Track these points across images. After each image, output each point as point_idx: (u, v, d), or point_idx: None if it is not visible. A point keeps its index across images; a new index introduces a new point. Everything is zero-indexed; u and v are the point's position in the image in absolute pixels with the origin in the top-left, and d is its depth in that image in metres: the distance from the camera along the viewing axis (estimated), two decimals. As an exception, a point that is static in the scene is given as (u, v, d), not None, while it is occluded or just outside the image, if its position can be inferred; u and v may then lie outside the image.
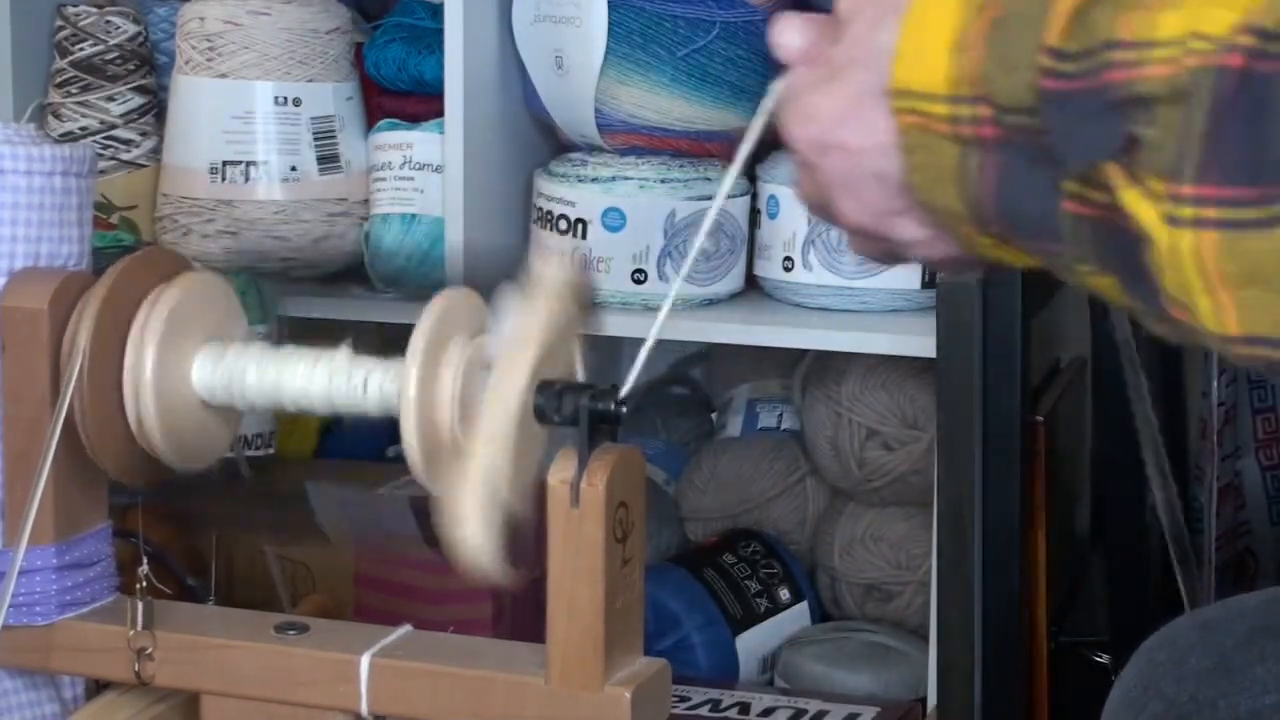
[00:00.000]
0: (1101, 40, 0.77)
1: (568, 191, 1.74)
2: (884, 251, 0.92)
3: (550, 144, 1.84)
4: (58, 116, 1.87)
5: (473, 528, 1.00)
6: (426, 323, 1.04)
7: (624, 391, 1.01)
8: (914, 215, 0.87)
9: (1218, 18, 0.74)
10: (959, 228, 0.85)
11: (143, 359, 1.09)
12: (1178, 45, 0.75)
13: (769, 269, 1.75)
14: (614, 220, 1.72)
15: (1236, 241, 0.73)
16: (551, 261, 1.00)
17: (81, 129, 1.86)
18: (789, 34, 0.93)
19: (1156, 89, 0.75)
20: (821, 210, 0.92)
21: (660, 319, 1.02)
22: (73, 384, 1.08)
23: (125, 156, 1.87)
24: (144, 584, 1.12)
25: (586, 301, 1.07)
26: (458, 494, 1.00)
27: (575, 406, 1.01)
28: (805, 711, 1.69)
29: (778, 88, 0.93)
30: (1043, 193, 0.80)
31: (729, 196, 1.75)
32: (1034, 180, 0.80)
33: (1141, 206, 0.76)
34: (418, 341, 1.04)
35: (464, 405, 1.04)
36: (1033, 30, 0.79)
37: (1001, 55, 0.80)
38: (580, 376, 1.05)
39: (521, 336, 1.01)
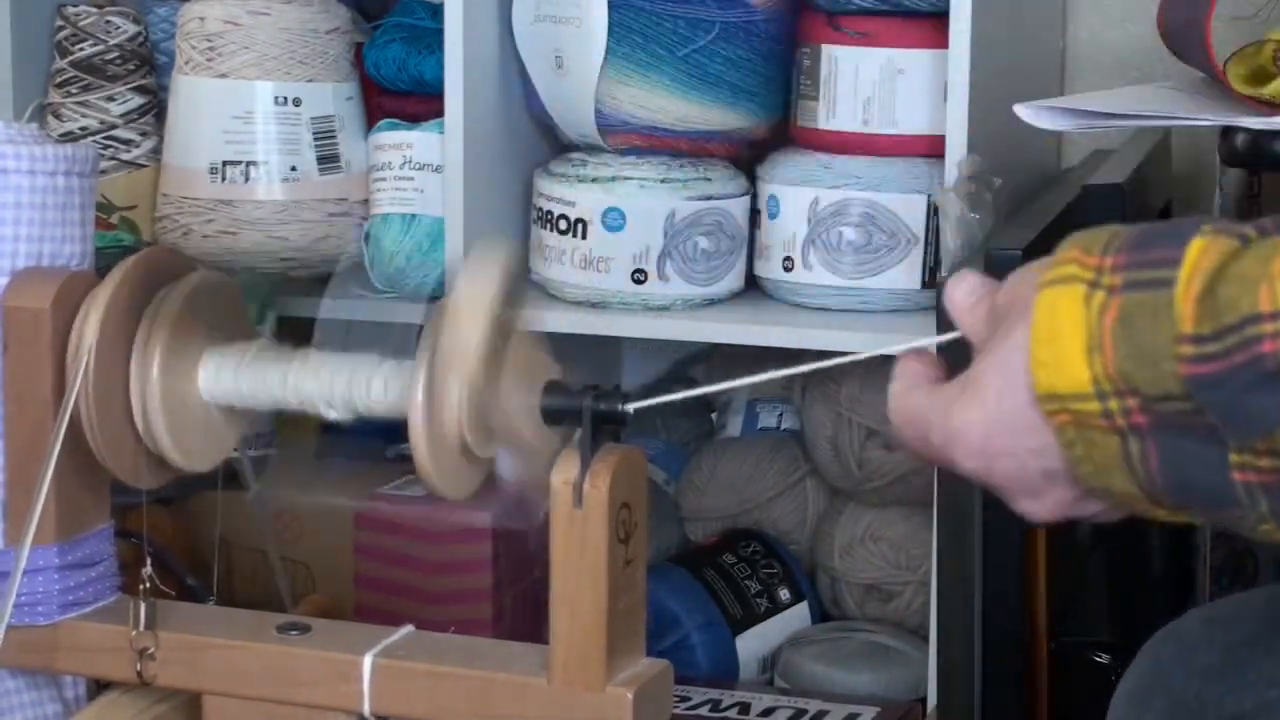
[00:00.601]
0: (1241, 317, 0.79)
1: (568, 191, 1.74)
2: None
3: (550, 144, 1.84)
4: (58, 116, 1.87)
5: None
6: (435, 325, 1.04)
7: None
8: (1094, 497, 0.88)
9: None
10: (1136, 505, 0.87)
11: (149, 359, 1.09)
12: None
13: (769, 269, 1.75)
14: (614, 220, 1.72)
15: None
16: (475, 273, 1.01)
17: (81, 129, 1.86)
18: (960, 290, 0.94)
19: None
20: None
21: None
22: (78, 384, 1.08)
23: (125, 156, 1.87)
24: (147, 584, 1.12)
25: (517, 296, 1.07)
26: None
27: (579, 407, 1.01)
28: (805, 711, 1.69)
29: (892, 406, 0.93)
30: (1211, 468, 0.82)
31: (730, 197, 1.75)
32: (1200, 458, 0.82)
33: None
34: (426, 344, 1.04)
35: (471, 408, 1.04)
36: (1162, 321, 0.81)
37: (1135, 352, 0.82)
38: (553, 373, 1.06)
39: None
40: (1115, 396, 0.83)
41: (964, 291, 0.93)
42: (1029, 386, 0.85)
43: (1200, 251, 0.82)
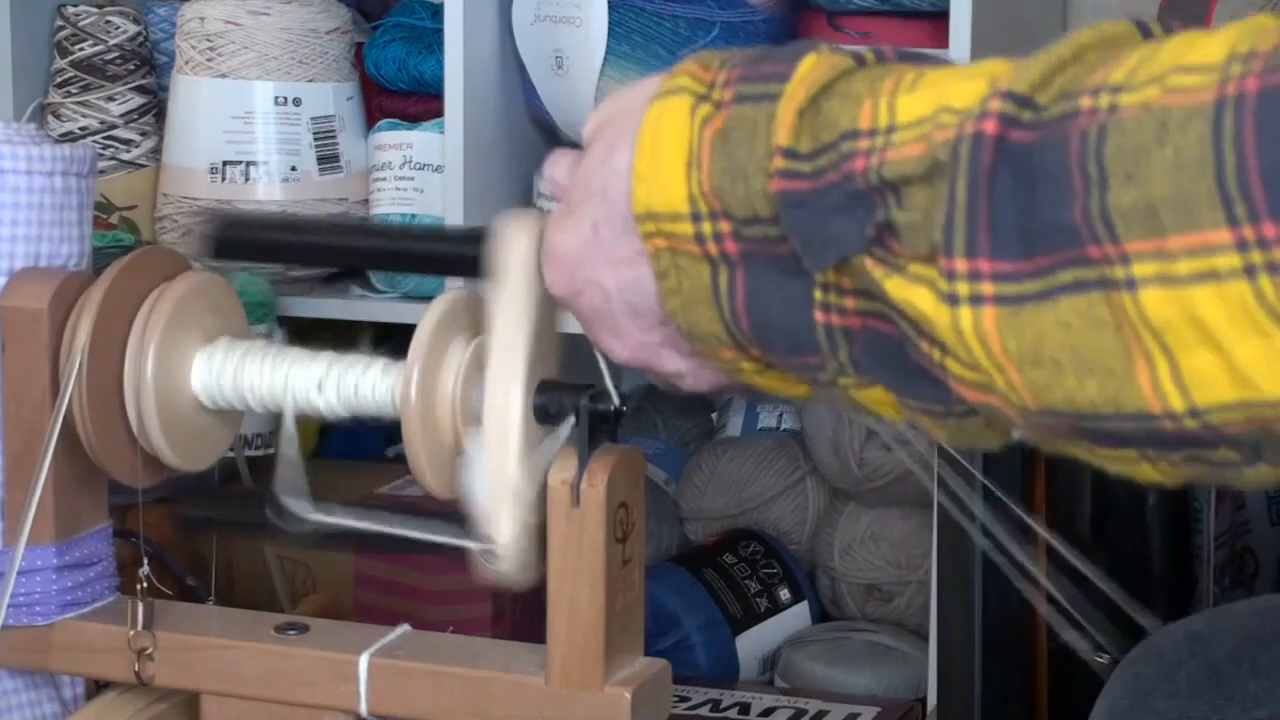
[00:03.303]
0: (839, 133, 0.74)
1: (568, 191, 1.74)
2: (659, 380, 0.89)
3: (550, 144, 1.84)
4: (58, 116, 1.87)
5: (504, 526, 0.99)
6: (428, 323, 1.04)
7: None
8: (674, 346, 0.85)
9: (964, 90, 0.71)
10: (719, 352, 0.82)
11: (143, 359, 1.09)
12: (925, 124, 0.71)
13: (769, 269, 1.75)
14: (614, 220, 1.72)
15: (1015, 317, 0.69)
16: (515, 238, 0.98)
17: (81, 129, 1.86)
18: (555, 168, 0.90)
19: (907, 170, 0.71)
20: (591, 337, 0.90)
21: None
22: (72, 384, 1.08)
23: (125, 156, 1.87)
24: (145, 584, 1.12)
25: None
26: (487, 494, 0.99)
27: (575, 406, 1.01)
28: (805, 711, 1.69)
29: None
30: (795, 305, 0.77)
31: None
32: (785, 293, 0.77)
33: (910, 292, 0.72)
34: (419, 342, 1.04)
35: (465, 406, 1.04)
36: (760, 135, 0.76)
37: (729, 165, 0.77)
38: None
39: (508, 332, 1.01)
40: (709, 219, 0.78)
41: (564, 169, 0.89)
42: (627, 209, 0.81)
43: (811, 66, 0.77)
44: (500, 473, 0.98)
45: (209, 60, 1.77)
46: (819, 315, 0.77)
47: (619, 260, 0.83)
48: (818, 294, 0.77)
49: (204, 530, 1.42)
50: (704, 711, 1.68)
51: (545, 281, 0.89)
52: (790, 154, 0.75)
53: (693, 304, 0.81)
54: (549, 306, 0.96)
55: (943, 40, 1.61)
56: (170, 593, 1.29)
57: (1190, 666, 1.00)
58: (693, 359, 0.86)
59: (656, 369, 0.88)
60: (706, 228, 0.78)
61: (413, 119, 1.80)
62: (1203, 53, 0.65)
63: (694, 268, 0.80)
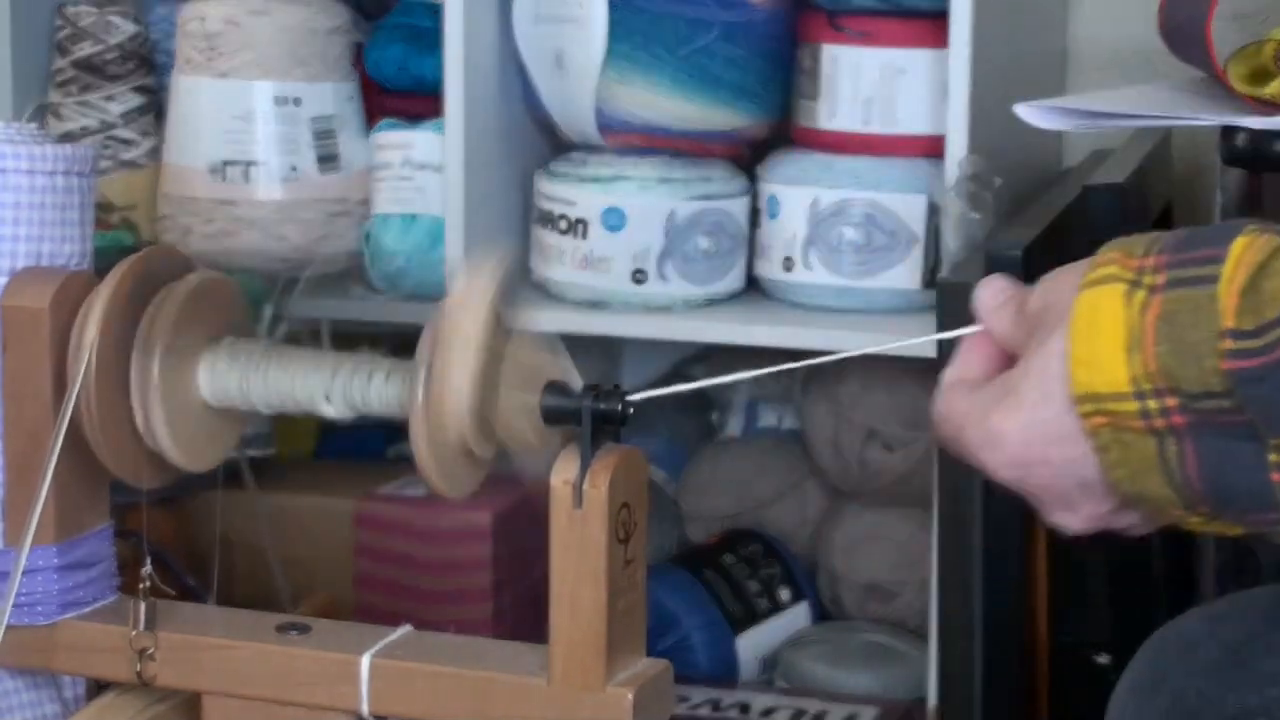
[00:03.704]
0: None
1: (568, 191, 1.74)
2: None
3: (550, 144, 1.84)
4: (58, 116, 1.87)
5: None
6: (436, 325, 1.04)
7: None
8: (1127, 508, 0.88)
9: None
10: (1168, 511, 0.86)
11: (150, 359, 1.09)
12: None
13: (769, 269, 1.75)
14: (614, 220, 1.72)
15: None
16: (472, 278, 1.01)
17: (81, 129, 1.86)
18: (988, 293, 0.93)
19: None
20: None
21: None
22: (79, 384, 1.08)
23: (125, 156, 1.87)
24: (147, 584, 1.12)
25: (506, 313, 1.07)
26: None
27: (579, 407, 1.01)
28: (805, 711, 1.69)
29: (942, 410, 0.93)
30: (1251, 469, 0.82)
31: (730, 197, 1.75)
32: (1239, 458, 0.82)
33: None
34: (427, 343, 1.04)
35: (473, 408, 1.04)
36: (1204, 316, 0.81)
37: (1177, 348, 0.82)
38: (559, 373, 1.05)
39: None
40: (1154, 396, 0.83)
41: (991, 293, 0.93)
42: (1067, 392, 0.85)
43: (1244, 248, 0.82)
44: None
45: (209, 60, 1.76)
46: (1276, 475, 0.82)
47: (1061, 439, 0.87)
48: (1272, 456, 0.82)
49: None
50: (704, 711, 1.68)
51: (984, 465, 0.91)
52: (1238, 334, 0.81)
53: (1139, 474, 0.85)
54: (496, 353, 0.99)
55: (943, 40, 1.61)
56: (172, 593, 1.29)
57: (1209, 646, 1.03)
58: (1144, 516, 0.90)
59: (1111, 528, 0.91)
60: (1152, 404, 0.83)
61: (413, 119, 1.80)
62: None
63: (1138, 442, 0.84)
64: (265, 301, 1.70)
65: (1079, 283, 0.86)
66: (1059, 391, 0.85)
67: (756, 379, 1.99)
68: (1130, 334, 0.83)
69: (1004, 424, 0.88)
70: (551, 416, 1.02)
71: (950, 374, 0.94)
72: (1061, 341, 0.85)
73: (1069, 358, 0.85)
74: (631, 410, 1.01)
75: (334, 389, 1.09)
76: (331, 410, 1.10)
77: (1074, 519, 0.90)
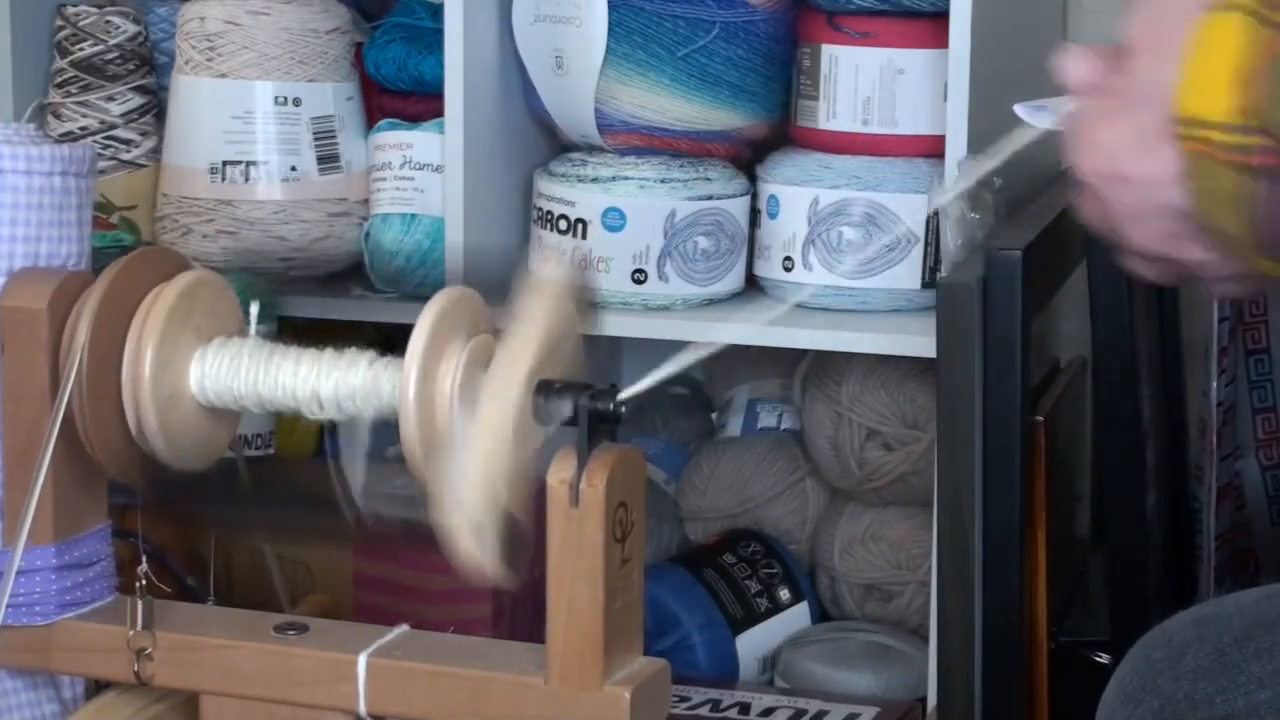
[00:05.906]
0: None
1: (568, 191, 1.74)
2: (1171, 274, 0.93)
3: (550, 144, 1.84)
4: (58, 116, 1.87)
5: (468, 520, 0.99)
6: (426, 322, 1.04)
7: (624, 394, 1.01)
8: (1198, 239, 0.88)
9: None
10: (1242, 251, 0.87)
11: (141, 358, 1.09)
12: None
13: (769, 269, 1.75)
14: (614, 220, 1.72)
15: None
16: (551, 261, 1.01)
17: (81, 129, 1.86)
18: (1077, 64, 0.95)
19: None
20: (1106, 229, 0.93)
21: None
22: (71, 383, 1.09)
23: (125, 156, 1.87)
24: (144, 583, 1.12)
25: (585, 302, 1.07)
26: (455, 485, 1.00)
27: (574, 406, 1.01)
28: (805, 711, 1.69)
29: (1062, 111, 0.94)
30: None
31: (730, 197, 1.75)
32: None
33: None
34: (417, 341, 1.04)
35: (464, 405, 1.04)
36: None
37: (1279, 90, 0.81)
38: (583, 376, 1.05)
39: (522, 335, 1.01)
40: (1256, 133, 0.82)
41: (1089, 69, 0.94)
42: (1169, 112, 0.85)
43: None
44: (483, 469, 0.99)
45: (209, 60, 1.77)
46: None
47: (1153, 159, 0.87)
48: None
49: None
50: (704, 711, 1.68)
51: (1080, 168, 0.92)
52: None
53: (1222, 207, 0.85)
54: (566, 340, 0.98)
55: (943, 40, 1.61)
56: (169, 592, 1.29)
57: (1197, 650, 1.03)
58: (1214, 252, 0.89)
59: (1177, 258, 0.91)
60: (1252, 140, 0.82)
61: (413, 119, 1.80)
62: None
63: (1227, 175, 0.84)
64: (262, 301, 1.70)
65: (1202, 2, 0.85)
66: (1162, 110, 0.85)
67: (755, 380, 1.99)
68: (1243, 66, 0.82)
69: (1103, 134, 0.90)
70: (544, 415, 1.02)
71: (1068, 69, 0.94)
72: (1175, 66, 0.85)
73: (1180, 78, 0.84)
74: (624, 409, 1.01)
75: (325, 388, 1.09)
76: (322, 411, 1.10)
77: (1143, 234, 0.90)
